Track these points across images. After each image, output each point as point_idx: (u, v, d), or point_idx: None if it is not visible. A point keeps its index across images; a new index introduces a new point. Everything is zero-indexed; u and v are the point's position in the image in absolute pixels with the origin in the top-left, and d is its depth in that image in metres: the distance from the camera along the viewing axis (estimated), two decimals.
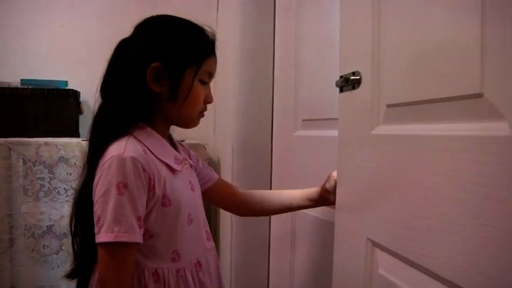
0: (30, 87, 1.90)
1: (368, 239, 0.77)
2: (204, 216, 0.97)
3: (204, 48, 0.91)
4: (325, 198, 1.03)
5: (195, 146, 1.60)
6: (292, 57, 1.34)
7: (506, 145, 0.47)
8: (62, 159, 1.69)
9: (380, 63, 0.75)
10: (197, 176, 1.04)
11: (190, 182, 0.94)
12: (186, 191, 0.91)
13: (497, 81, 0.49)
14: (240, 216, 1.16)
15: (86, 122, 2.05)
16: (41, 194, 1.68)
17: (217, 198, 1.11)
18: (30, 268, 1.67)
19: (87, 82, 2.00)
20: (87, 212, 0.84)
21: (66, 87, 1.96)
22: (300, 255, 1.26)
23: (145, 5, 2.06)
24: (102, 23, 2.10)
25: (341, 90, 0.88)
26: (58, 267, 1.69)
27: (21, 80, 1.91)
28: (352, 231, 0.83)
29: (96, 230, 0.79)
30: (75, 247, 0.92)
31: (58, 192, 1.69)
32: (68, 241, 1.69)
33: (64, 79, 1.98)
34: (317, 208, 1.11)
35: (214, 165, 1.80)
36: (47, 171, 1.68)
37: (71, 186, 1.69)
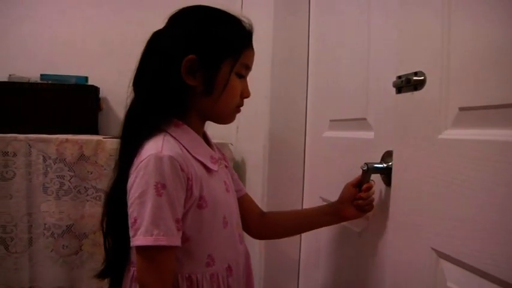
0: (49, 82, 1.85)
1: (432, 249, 0.73)
2: (238, 218, 0.94)
3: (241, 40, 0.87)
4: (340, 210, 0.98)
5: (220, 146, 1.56)
6: (326, 55, 1.30)
7: None
8: (83, 157, 1.64)
9: (450, 64, 0.71)
10: None
11: (225, 182, 0.90)
12: (222, 192, 0.88)
13: None
14: (255, 238, 1.10)
15: (105, 118, 2.02)
16: (61, 192, 1.64)
17: (242, 212, 1.03)
18: (49, 268, 1.63)
19: (106, 78, 1.99)
20: (119, 211, 0.80)
21: (86, 83, 1.91)
22: (328, 269, 1.22)
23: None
24: (122, 17, 2.05)
25: (399, 91, 0.84)
26: (77, 267, 1.65)
27: (41, 75, 1.87)
28: (412, 242, 0.78)
29: (131, 233, 0.75)
30: (107, 246, 0.89)
31: (78, 191, 1.64)
32: (87, 241, 1.65)
33: (83, 74, 1.93)
34: None
35: (238, 165, 1.76)
36: (67, 169, 1.64)
37: (92, 185, 1.65)
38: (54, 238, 1.64)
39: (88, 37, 2.05)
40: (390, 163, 0.90)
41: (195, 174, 0.79)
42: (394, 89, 0.88)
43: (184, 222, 0.79)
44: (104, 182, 1.64)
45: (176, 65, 0.82)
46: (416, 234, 0.77)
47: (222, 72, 0.84)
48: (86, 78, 1.91)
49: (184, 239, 0.79)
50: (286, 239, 1.27)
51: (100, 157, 1.64)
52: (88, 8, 2.05)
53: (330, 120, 1.26)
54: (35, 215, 1.63)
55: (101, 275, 0.90)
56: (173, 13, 0.90)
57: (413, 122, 0.80)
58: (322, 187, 1.29)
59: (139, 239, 0.74)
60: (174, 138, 0.81)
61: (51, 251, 1.63)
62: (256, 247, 1.06)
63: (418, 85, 0.78)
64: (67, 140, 1.64)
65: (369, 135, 1.03)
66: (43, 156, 1.63)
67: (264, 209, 1.13)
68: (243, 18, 0.90)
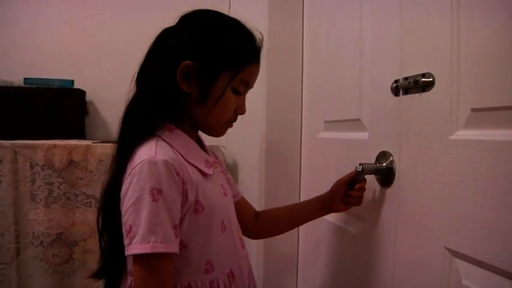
0: (34, 86, 1.79)
1: (445, 248, 0.74)
2: (237, 222, 0.92)
3: (244, 55, 0.82)
4: (329, 205, 1.01)
5: (212, 148, 1.55)
6: (321, 56, 1.30)
7: None
8: (72, 163, 1.60)
9: (460, 65, 0.72)
10: None
11: (222, 186, 0.89)
12: (219, 196, 0.86)
13: None
14: (251, 238, 1.10)
15: (91, 123, 1.97)
16: (50, 199, 1.59)
17: (238, 217, 1.03)
18: (39, 279, 1.58)
19: (92, 81, 1.95)
20: (114, 210, 0.77)
21: (72, 87, 1.86)
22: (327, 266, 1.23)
23: (152, 1, 2.00)
24: (108, 19, 2.01)
25: (405, 93, 0.85)
26: (69, 276, 1.60)
27: (25, 79, 1.81)
28: (424, 242, 0.79)
29: (126, 242, 0.72)
30: (102, 245, 0.85)
31: (68, 198, 1.60)
32: (78, 249, 1.61)
33: (67, 78, 1.88)
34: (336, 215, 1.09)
35: (230, 167, 1.75)
36: (56, 175, 1.59)
37: (82, 192, 1.61)
38: (44, 247, 1.59)
39: (73, 40, 2.00)
40: (384, 164, 0.91)
41: (189, 179, 0.77)
42: (389, 90, 0.90)
43: (181, 228, 0.76)
44: (94, 187, 1.60)
45: (174, 69, 0.80)
46: (428, 234, 0.78)
47: (218, 85, 0.80)
48: (72, 82, 1.86)
49: (181, 246, 0.76)
50: (284, 239, 1.27)
51: (90, 162, 1.60)
52: (72, 11, 2.00)
53: (325, 121, 1.27)
54: (22, 223, 1.57)
55: (96, 275, 0.86)
56: (185, 13, 0.86)
57: (421, 122, 0.81)
58: (318, 188, 1.28)
59: (135, 247, 0.70)
60: (167, 142, 0.79)
61: (41, 260, 1.58)
62: (254, 248, 1.05)
63: (426, 86, 0.79)
64: (55, 146, 1.59)
65: (363, 135, 1.04)
66: (30, 163, 1.58)
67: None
68: (255, 32, 0.86)
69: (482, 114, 0.68)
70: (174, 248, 0.72)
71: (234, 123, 0.89)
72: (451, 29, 0.73)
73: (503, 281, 0.63)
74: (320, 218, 1.06)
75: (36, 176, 1.58)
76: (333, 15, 1.24)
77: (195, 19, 0.85)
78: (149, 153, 0.74)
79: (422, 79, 0.79)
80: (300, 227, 1.34)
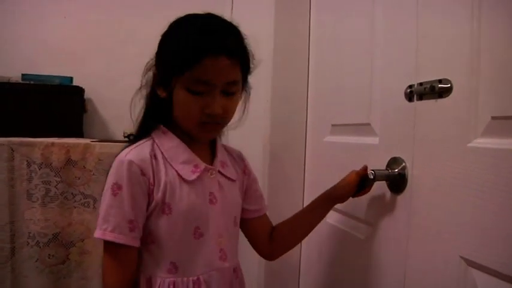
0: (31, 82, 1.75)
1: (461, 257, 0.72)
2: (224, 232, 0.88)
3: (187, 54, 0.78)
4: (334, 203, 1.00)
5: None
6: (327, 58, 1.29)
7: None
8: (70, 162, 1.56)
9: (480, 72, 0.70)
10: (245, 196, 0.98)
11: (211, 193, 0.87)
12: (199, 202, 0.85)
13: None
14: (268, 260, 1.06)
15: (90, 121, 1.94)
16: (47, 199, 1.55)
17: (251, 234, 1.02)
18: (34, 279, 1.54)
19: (90, 79, 1.91)
20: None
21: (71, 84, 1.83)
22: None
23: None
24: (107, 16, 1.97)
25: (420, 98, 0.84)
26: (64, 277, 1.57)
27: (23, 74, 1.77)
28: (438, 250, 0.78)
29: None
30: None
31: (65, 198, 1.56)
32: (75, 250, 1.58)
33: (65, 75, 1.84)
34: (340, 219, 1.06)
35: None
36: (53, 174, 1.55)
37: (80, 191, 1.57)
38: (40, 247, 1.55)
39: (72, 36, 1.95)
40: (396, 170, 0.90)
41: (159, 180, 0.81)
42: (402, 95, 0.88)
43: (149, 224, 0.82)
44: (92, 187, 1.57)
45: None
46: (442, 242, 0.77)
47: (175, 88, 0.81)
48: (71, 79, 1.82)
49: (150, 240, 0.83)
50: None
51: (88, 161, 1.57)
52: (71, 6, 1.96)
53: (332, 125, 1.25)
54: (18, 223, 1.54)
55: None
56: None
57: (437, 129, 0.79)
58: (323, 191, 1.27)
59: (96, 231, 0.80)
60: (157, 144, 0.85)
61: (36, 260, 1.55)
62: (255, 256, 1.02)
63: (443, 92, 0.77)
64: (53, 144, 1.56)
65: (373, 140, 1.02)
66: (27, 161, 1.54)
67: None
68: (212, 26, 0.81)
69: (503, 123, 0.67)
70: (125, 240, 0.79)
71: (226, 124, 0.88)
72: (470, 34, 0.72)
73: None
74: (323, 222, 1.03)
75: (33, 174, 1.55)
76: (342, 16, 1.22)
77: (167, 27, 0.86)
78: (124, 152, 0.82)
79: (439, 85, 0.77)
80: None
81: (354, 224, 1.11)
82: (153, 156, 0.83)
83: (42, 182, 1.55)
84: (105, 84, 1.92)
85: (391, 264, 0.92)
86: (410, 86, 0.87)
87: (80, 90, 1.83)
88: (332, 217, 1.13)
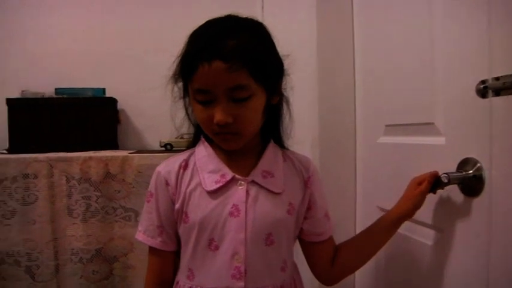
0: (65, 96, 1.74)
1: None
2: (241, 249, 0.80)
3: (185, 65, 0.77)
4: (403, 210, 0.89)
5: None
6: (376, 57, 1.22)
7: None
8: (109, 175, 1.53)
9: None
10: (304, 219, 0.90)
11: (235, 205, 0.80)
12: (216, 213, 0.80)
13: None
14: (327, 285, 0.99)
15: (123, 132, 1.91)
16: (88, 214, 1.53)
17: (311, 258, 0.94)
18: None
19: (122, 89, 1.88)
20: None
21: (104, 95, 1.80)
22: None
23: (178, 3, 1.92)
24: (136, 25, 1.94)
25: (496, 94, 0.76)
26: None
27: (56, 89, 1.75)
28: None
29: None
30: None
31: (106, 212, 1.54)
32: (118, 265, 1.55)
33: (98, 86, 1.82)
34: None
35: None
36: (93, 189, 1.53)
37: (120, 205, 1.54)
38: (83, 263, 1.53)
39: (101, 47, 1.94)
40: (471, 171, 0.83)
41: (181, 189, 0.83)
42: (473, 91, 0.81)
43: (179, 231, 0.86)
44: (133, 200, 1.54)
45: None
46: None
47: (191, 98, 0.82)
48: (104, 90, 1.80)
49: (179, 246, 0.87)
50: None
51: (127, 174, 1.54)
52: (101, 18, 1.94)
53: (386, 125, 1.18)
54: (60, 239, 1.52)
55: None
56: None
57: None
58: (378, 195, 1.20)
59: None
60: (195, 153, 0.87)
61: (81, 277, 1.53)
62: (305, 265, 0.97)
63: None
64: (91, 158, 1.53)
65: (438, 141, 0.95)
66: (66, 176, 1.52)
67: None
68: (208, 29, 0.78)
69: None
70: (152, 242, 0.86)
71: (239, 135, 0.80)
72: None
73: None
74: None
75: (72, 190, 1.52)
76: (390, 6, 1.15)
77: None
78: (161, 164, 0.88)
79: None
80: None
81: (417, 229, 1.03)
82: (184, 166, 0.85)
83: (82, 197, 1.53)
84: (136, 93, 1.89)
85: (469, 273, 0.85)
86: (483, 82, 0.79)
87: (113, 101, 1.81)
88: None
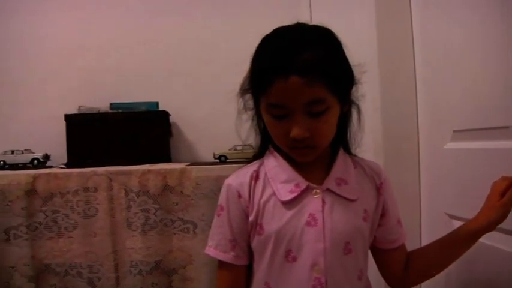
0: (120, 111, 1.77)
1: None
2: (320, 259, 0.77)
3: (259, 78, 0.75)
4: (487, 216, 0.82)
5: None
6: (439, 61, 1.19)
7: None
8: (167, 188, 1.55)
9: None
10: (378, 226, 0.87)
11: (311, 214, 0.78)
12: (293, 223, 0.78)
13: None
14: None
15: (175, 144, 1.93)
16: (147, 227, 1.54)
17: (383, 265, 0.92)
18: None
19: (172, 102, 1.90)
20: None
21: (157, 109, 1.83)
22: None
23: (228, 14, 1.93)
24: (184, 38, 1.97)
25: None
26: None
27: (111, 104, 1.79)
28: None
29: None
30: None
31: (165, 224, 1.55)
32: (177, 277, 1.55)
33: (151, 100, 1.85)
34: None
35: None
36: (151, 201, 1.54)
37: (178, 217, 1.55)
38: (143, 276, 1.54)
39: (153, 62, 1.97)
40: None
41: (254, 201, 0.81)
42: None
43: (252, 244, 0.83)
44: (191, 212, 1.54)
45: None
46: None
47: (262, 110, 0.79)
48: (157, 104, 1.82)
49: (252, 259, 0.84)
50: None
51: (185, 186, 1.54)
52: (153, 33, 1.98)
53: (454, 131, 1.14)
54: (120, 252, 1.54)
55: None
56: None
57: None
58: (447, 202, 1.16)
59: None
60: (264, 164, 0.85)
61: None
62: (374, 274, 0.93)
63: None
64: (149, 171, 1.55)
65: None
66: (125, 189, 1.55)
67: None
68: (281, 43, 0.75)
69: None
70: (224, 257, 0.83)
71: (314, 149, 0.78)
72: None
73: None
74: None
75: (131, 202, 1.54)
76: (454, 16, 1.12)
77: None
78: (230, 176, 0.86)
79: None
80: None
81: (496, 236, 0.99)
82: (255, 177, 0.83)
83: (141, 210, 1.54)
84: (188, 106, 1.92)
85: None
86: None
87: (166, 115, 1.83)
88: None
